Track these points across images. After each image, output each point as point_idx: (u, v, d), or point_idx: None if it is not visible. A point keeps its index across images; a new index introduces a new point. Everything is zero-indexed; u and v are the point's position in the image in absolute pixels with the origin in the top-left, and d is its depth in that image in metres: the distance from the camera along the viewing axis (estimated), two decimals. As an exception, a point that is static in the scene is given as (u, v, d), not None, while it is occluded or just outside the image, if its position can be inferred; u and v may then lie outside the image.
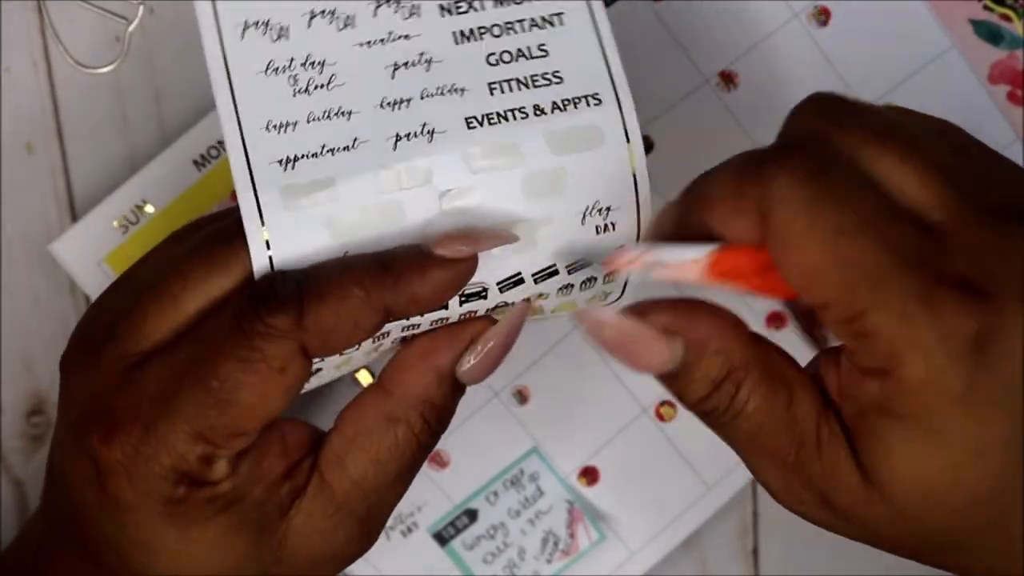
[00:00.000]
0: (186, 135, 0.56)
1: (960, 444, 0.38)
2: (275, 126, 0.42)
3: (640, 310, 0.41)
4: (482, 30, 0.44)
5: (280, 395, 0.41)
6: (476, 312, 0.44)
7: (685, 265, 0.40)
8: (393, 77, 0.43)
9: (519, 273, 0.43)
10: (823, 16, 0.58)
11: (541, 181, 0.43)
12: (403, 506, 0.58)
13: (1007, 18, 0.57)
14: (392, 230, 0.42)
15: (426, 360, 0.43)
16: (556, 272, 0.44)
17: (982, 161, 0.40)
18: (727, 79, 0.58)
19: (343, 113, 0.42)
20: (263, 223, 0.41)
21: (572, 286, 0.44)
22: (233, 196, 0.54)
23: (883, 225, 0.38)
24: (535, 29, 0.44)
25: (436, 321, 0.43)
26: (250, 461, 0.42)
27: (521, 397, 0.58)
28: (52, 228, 0.57)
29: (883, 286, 0.37)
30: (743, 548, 0.61)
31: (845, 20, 0.57)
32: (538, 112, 0.43)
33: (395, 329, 0.43)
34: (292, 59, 0.43)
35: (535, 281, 0.44)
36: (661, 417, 0.59)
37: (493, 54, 0.44)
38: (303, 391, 0.43)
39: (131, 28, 0.57)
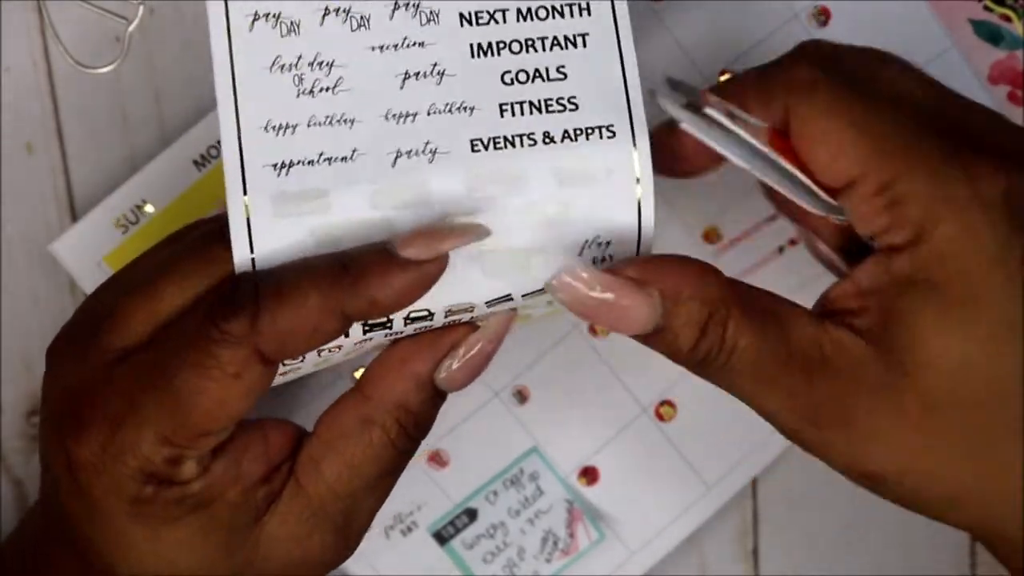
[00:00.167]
0: (186, 135, 0.56)
1: (998, 310, 0.39)
2: (274, 127, 0.41)
3: (609, 271, 0.41)
4: (501, 45, 0.42)
5: (239, 399, 0.40)
6: (460, 320, 0.43)
7: (752, 127, 0.41)
8: (402, 87, 0.42)
9: (509, 294, 0.42)
10: (823, 16, 0.57)
11: (542, 212, 0.42)
12: (403, 505, 0.58)
13: (1007, 18, 0.57)
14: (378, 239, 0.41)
15: (406, 365, 0.43)
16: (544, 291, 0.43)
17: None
18: (727, 79, 0.58)
19: (346, 121, 0.41)
20: (249, 228, 0.40)
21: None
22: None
23: (901, 101, 0.40)
24: (556, 49, 0.42)
25: (419, 328, 0.43)
26: (226, 461, 0.42)
27: (521, 397, 0.58)
28: (52, 228, 0.57)
29: (912, 151, 0.39)
30: (743, 548, 0.61)
31: (845, 20, 0.57)
32: (547, 140, 0.42)
33: (377, 335, 0.42)
34: (300, 56, 0.41)
35: (523, 298, 0.43)
36: (661, 417, 0.59)
37: (509, 72, 0.42)
38: (280, 383, 0.43)
39: (131, 28, 0.57)
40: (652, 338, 0.41)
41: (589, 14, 0.42)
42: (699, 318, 0.40)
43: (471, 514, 0.59)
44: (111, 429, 0.40)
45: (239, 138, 0.41)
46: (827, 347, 0.40)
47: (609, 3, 0.42)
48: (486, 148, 0.41)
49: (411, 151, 0.41)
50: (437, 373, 0.43)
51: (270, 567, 0.43)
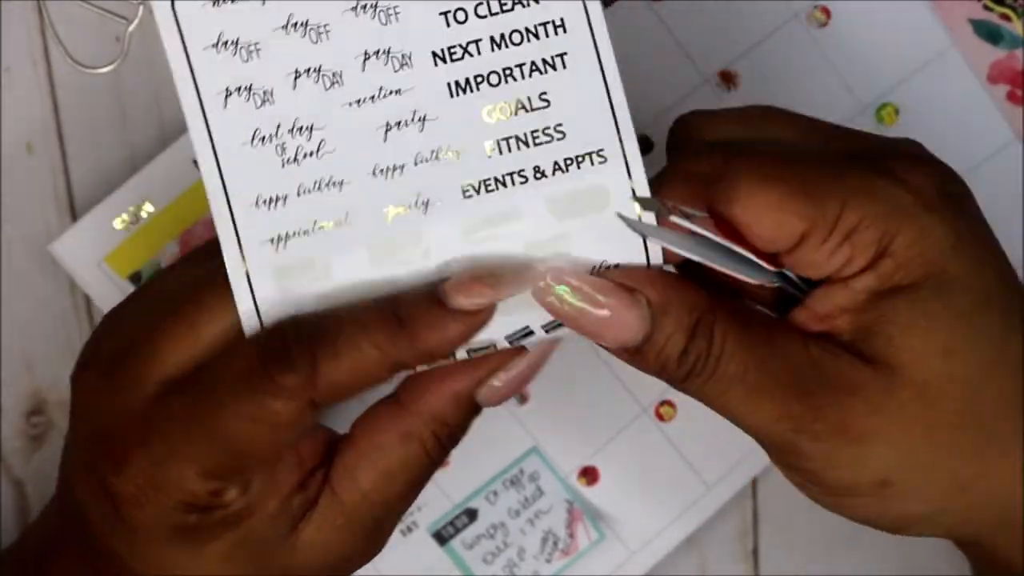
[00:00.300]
0: (186, 135, 0.56)
1: (968, 291, 0.40)
2: (265, 201, 0.41)
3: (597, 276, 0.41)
4: (479, 79, 0.41)
5: (289, 440, 0.41)
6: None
7: (700, 219, 0.41)
8: (385, 139, 0.41)
9: (527, 327, 0.42)
10: (823, 16, 0.57)
11: (544, 247, 0.41)
12: (403, 506, 0.58)
13: (1007, 18, 0.57)
14: (384, 294, 0.41)
15: (447, 383, 0.43)
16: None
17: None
18: (727, 79, 0.58)
19: (334, 184, 0.41)
20: (256, 304, 0.41)
21: None
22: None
23: (800, 146, 0.42)
24: (536, 75, 0.41)
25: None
26: (263, 476, 0.42)
27: (521, 397, 0.58)
28: (52, 228, 0.57)
29: (843, 184, 0.40)
30: (743, 548, 0.61)
31: (845, 20, 0.57)
32: (538, 175, 0.41)
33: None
34: (279, 126, 0.41)
35: (546, 331, 0.42)
36: (661, 417, 0.59)
37: (491, 107, 0.41)
38: None
39: (131, 28, 0.57)
40: (638, 354, 0.41)
41: (565, 31, 0.41)
42: (687, 323, 0.40)
43: (471, 514, 0.59)
44: (154, 465, 0.41)
45: (233, 219, 0.41)
46: (815, 354, 0.41)
47: (585, 18, 0.41)
48: (477, 192, 0.41)
49: (404, 205, 0.41)
50: (479, 390, 0.43)
51: (304, 571, 0.43)
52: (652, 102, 0.58)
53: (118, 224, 0.56)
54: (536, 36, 0.41)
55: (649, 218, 0.41)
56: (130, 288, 0.55)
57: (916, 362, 0.40)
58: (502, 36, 0.41)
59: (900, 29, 0.57)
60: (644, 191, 0.41)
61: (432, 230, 0.41)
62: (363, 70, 0.41)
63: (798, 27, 0.58)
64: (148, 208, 0.56)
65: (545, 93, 0.41)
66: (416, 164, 0.41)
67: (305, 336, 0.40)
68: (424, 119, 0.41)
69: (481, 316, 0.40)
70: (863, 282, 0.40)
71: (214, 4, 0.41)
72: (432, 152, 0.41)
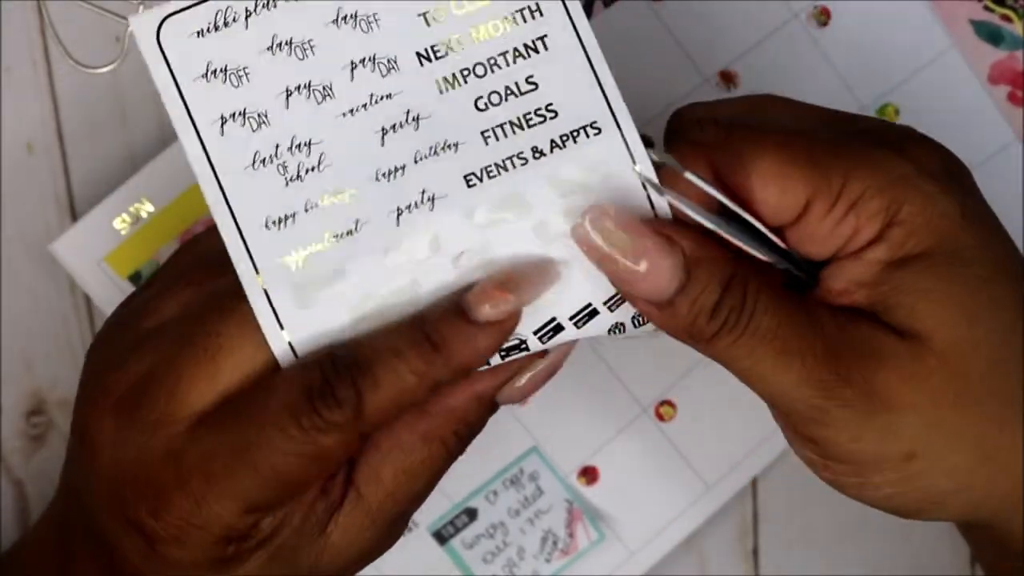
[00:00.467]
0: (186, 135, 0.56)
1: (981, 260, 0.40)
2: (274, 222, 0.41)
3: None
4: (465, 72, 0.41)
5: (333, 467, 0.41)
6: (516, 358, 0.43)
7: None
8: (383, 144, 0.41)
9: (554, 319, 0.42)
10: (823, 16, 0.58)
11: (554, 224, 0.41)
12: (403, 506, 0.58)
13: (1007, 18, 0.57)
14: (405, 298, 0.41)
15: (470, 385, 0.43)
16: (596, 312, 0.42)
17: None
18: (727, 79, 0.58)
19: (340, 194, 0.41)
20: (280, 325, 0.41)
21: (623, 325, 0.43)
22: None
23: (802, 123, 0.42)
24: (520, 60, 0.41)
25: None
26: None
27: (521, 397, 0.58)
28: (52, 228, 0.57)
29: (846, 154, 0.40)
30: (743, 548, 0.61)
31: (845, 20, 0.57)
32: (537, 155, 0.41)
33: None
34: (277, 145, 0.41)
35: (576, 326, 0.42)
36: (661, 417, 0.59)
37: (481, 97, 0.41)
38: None
39: (131, 28, 0.57)
40: (669, 307, 0.40)
41: (541, 14, 0.41)
42: (721, 277, 0.40)
43: (471, 514, 0.59)
44: (194, 505, 0.41)
45: (246, 245, 0.41)
46: (843, 322, 0.40)
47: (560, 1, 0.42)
48: (480, 180, 0.41)
49: (410, 204, 0.41)
50: (502, 391, 0.43)
51: (331, 570, 0.43)
52: (652, 102, 0.58)
53: (118, 224, 0.56)
54: (514, 22, 0.42)
55: (653, 171, 0.41)
56: (130, 288, 0.55)
57: (941, 329, 0.40)
58: (482, 27, 0.42)
59: (900, 29, 0.57)
60: (642, 155, 0.41)
61: (442, 224, 0.41)
62: (352, 79, 0.41)
63: (798, 27, 0.58)
64: (148, 208, 0.56)
65: (531, 76, 0.42)
66: (416, 163, 0.41)
67: (343, 369, 0.40)
68: (418, 118, 0.41)
69: (508, 323, 0.40)
70: (875, 253, 0.40)
71: (199, 36, 0.41)
72: (430, 148, 0.41)
